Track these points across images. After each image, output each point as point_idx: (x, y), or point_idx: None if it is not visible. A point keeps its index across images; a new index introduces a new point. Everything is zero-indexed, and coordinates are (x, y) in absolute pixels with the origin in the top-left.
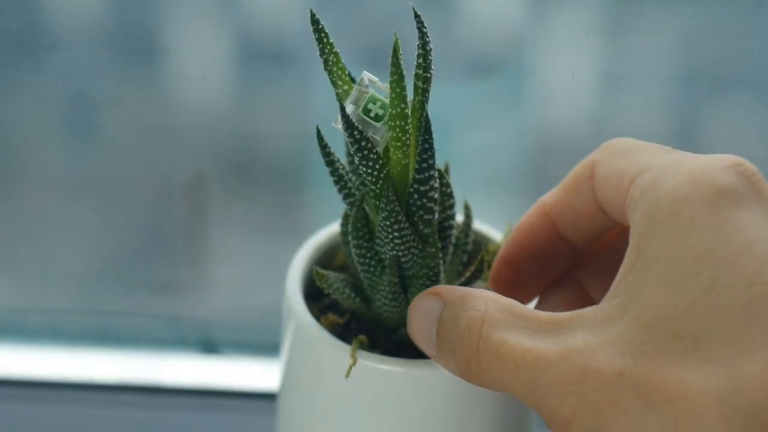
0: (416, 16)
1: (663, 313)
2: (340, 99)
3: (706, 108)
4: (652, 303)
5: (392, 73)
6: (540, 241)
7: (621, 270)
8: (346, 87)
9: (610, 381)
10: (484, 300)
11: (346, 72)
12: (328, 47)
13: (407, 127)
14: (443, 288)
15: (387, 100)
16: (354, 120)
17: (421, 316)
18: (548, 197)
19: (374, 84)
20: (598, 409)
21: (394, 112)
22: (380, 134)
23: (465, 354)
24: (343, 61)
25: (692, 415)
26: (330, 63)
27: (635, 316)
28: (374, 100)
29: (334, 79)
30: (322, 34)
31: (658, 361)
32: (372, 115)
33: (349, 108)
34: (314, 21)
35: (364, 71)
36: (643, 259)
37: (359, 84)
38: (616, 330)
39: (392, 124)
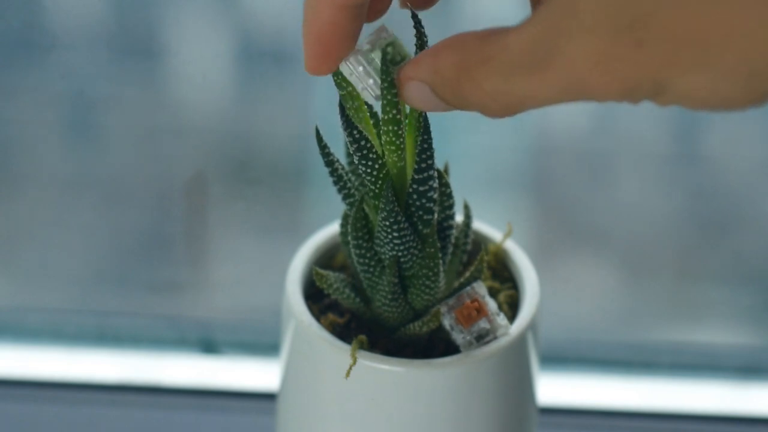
0: (414, 16)
1: None
2: (344, 100)
3: None
4: None
5: (383, 81)
6: None
7: None
8: (350, 89)
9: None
10: (451, 48)
11: None
12: None
13: (400, 132)
14: (410, 71)
15: (393, 39)
16: (365, 65)
17: (418, 99)
18: None
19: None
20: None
21: (386, 117)
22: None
23: (452, 86)
24: None
25: None
26: None
27: None
28: (391, 44)
29: (338, 81)
30: None
31: None
32: (390, 58)
33: (365, 48)
34: None
35: (383, 24)
36: None
37: (377, 32)
38: None
39: (385, 129)
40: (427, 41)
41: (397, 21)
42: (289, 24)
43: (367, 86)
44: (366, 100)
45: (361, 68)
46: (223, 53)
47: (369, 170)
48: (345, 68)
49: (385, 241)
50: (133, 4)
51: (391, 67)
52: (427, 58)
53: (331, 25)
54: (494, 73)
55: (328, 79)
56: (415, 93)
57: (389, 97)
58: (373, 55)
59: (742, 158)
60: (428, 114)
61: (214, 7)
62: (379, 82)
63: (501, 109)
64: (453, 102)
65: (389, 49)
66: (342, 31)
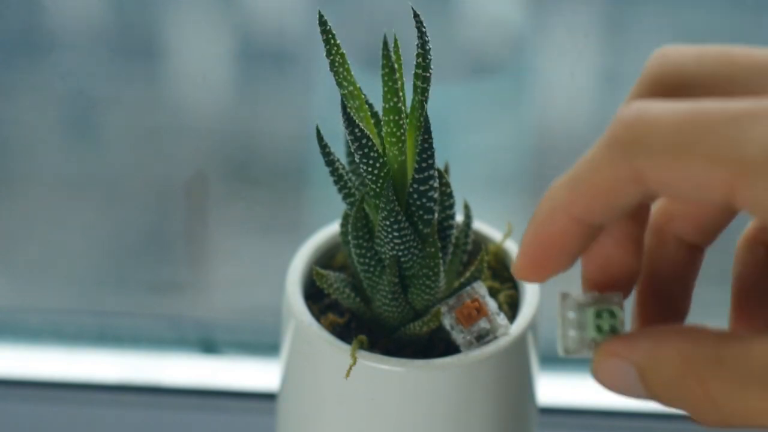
0: (415, 15)
1: None
2: (345, 99)
3: None
4: None
5: (383, 66)
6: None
7: None
8: (351, 88)
9: None
10: (681, 355)
11: (352, 73)
12: (335, 48)
13: (402, 122)
14: (619, 348)
15: (617, 311)
16: (577, 314)
17: (615, 378)
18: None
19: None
20: None
21: (386, 106)
22: None
23: (709, 417)
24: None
25: None
26: (336, 64)
27: None
28: (599, 314)
29: (339, 80)
30: (329, 35)
31: None
32: (606, 328)
33: (571, 334)
34: (322, 22)
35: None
36: None
37: (611, 296)
38: None
39: (386, 118)
40: (428, 41)
41: (397, 21)
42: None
43: (566, 335)
44: (557, 345)
45: (572, 314)
46: (223, 53)
47: (370, 168)
48: (560, 305)
49: (385, 240)
50: (133, 5)
51: (595, 332)
52: (648, 340)
53: (561, 236)
54: (729, 378)
55: (328, 79)
56: (615, 373)
57: (390, 83)
58: (588, 309)
59: None
60: (429, 113)
61: (214, 6)
62: (578, 338)
63: (719, 420)
64: (663, 397)
65: (606, 314)
66: (568, 245)
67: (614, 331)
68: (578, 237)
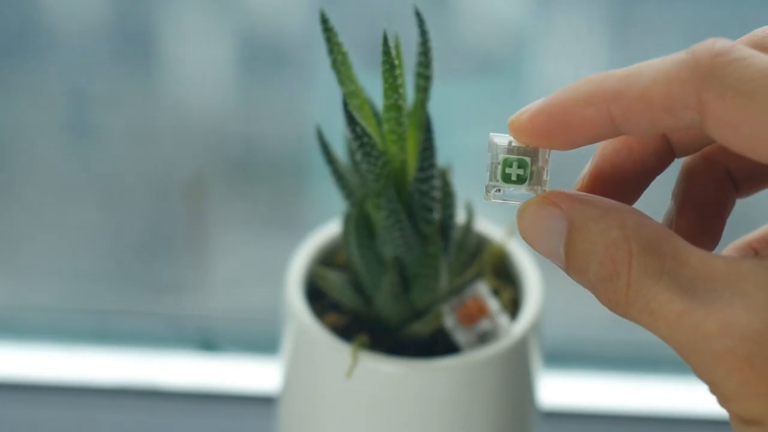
0: (417, 13)
1: None
2: (347, 98)
3: None
4: None
5: (384, 62)
6: (626, 160)
7: None
8: (352, 86)
9: None
10: (623, 230)
11: (353, 71)
12: (336, 47)
13: (402, 120)
14: (563, 199)
15: (525, 158)
16: (499, 197)
17: (540, 230)
18: (622, 113)
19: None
20: (766, 405)
21: (387, 103)
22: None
23: (609, 295)
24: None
25: None
26: (338, 62)
27: None
28: (509, 163)
29: (341, 78)
30: (331, 34)
31: None
32: (513, 178)
33: (491, 185)
34: (323, 20)
35: (491, 133)
36: None
37: (489, 150)
38: None
39: (386, 116)
40: (430, 39)
41: (399, 20)
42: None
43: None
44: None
45: (492, 160)
46: (223, 53)
47: (371, 167)
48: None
49: (386, 240)
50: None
51: (499, 180)
52: (593, 202)
53: (585, 120)
54: (655, 273)
55: (328, 79)
56: (542, 222)
57: (390, 80)
58: (502, 156)
59: None
60: (430, 112)
61: (214, 6)
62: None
63: (621, 307)
64: (576, 265)
65: (515, 164)
66: (585, 132)
67: (521, 182)
68: (599, 130)
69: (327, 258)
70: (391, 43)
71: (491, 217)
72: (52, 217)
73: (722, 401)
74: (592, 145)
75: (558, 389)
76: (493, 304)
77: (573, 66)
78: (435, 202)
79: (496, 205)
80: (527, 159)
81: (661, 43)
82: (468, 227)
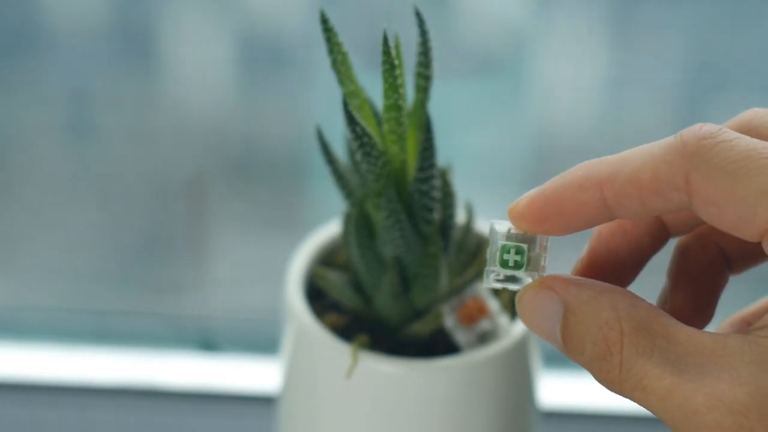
0: (417, 14)
1: None
2: (347, 98)
3: (710, 108)
4: None
5: (384, 62)
6: (620, 244)
7: None
8: (352, 87)
9: None
10: (615, 311)
11: (353, 71)
12: (336, 47)
13: (402, 119)
14: (558, 284)
15: (522, 245)
16: (499, 281)
17: (537, 313)
18: (616, 199)
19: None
20: None
21: (387, 103)
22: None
23: (604, 374)
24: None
25: None
26: (338, 62)
27: None
28: (507, 249)
29: (341, 78)
30: (331, 34)
31: None
32: (511, 264)
33: (490, 270)
34: (323, 21)
35: (492, 221)
36: None
37: (489, 237)
38: None
39: (386, 116)
40: (430, 39)
41: (399, 20)
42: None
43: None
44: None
45: (492, 246)
46: (223, 53)
47: (371, 167)
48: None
49: (387, 240)
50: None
51: (497, 265)
52: (587, 286)
53: (580, 204)
54: (646, 351)
55: (328, 79)
56: (540, 307)
57: (390, 80)
58: (501, 243)
59: None
60: (430, 112)
61: (214, 6)
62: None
63: (615, 385)
64: (573, 346)
65: (513, 250)
66: (581, 216)
67: (519, 267)
68: (593, 214)
69: (327, 258)
70: (391, 43)
71: (491, 217)
72: (52, 217)
73: None
74: (589, 230)
75: (558, 389)
76: (493, 304)
77: (573, 66)
78: (435, 202)
79: (496, 205)
80: (524, 246)
81: (661, 43)
82: (468, 227)
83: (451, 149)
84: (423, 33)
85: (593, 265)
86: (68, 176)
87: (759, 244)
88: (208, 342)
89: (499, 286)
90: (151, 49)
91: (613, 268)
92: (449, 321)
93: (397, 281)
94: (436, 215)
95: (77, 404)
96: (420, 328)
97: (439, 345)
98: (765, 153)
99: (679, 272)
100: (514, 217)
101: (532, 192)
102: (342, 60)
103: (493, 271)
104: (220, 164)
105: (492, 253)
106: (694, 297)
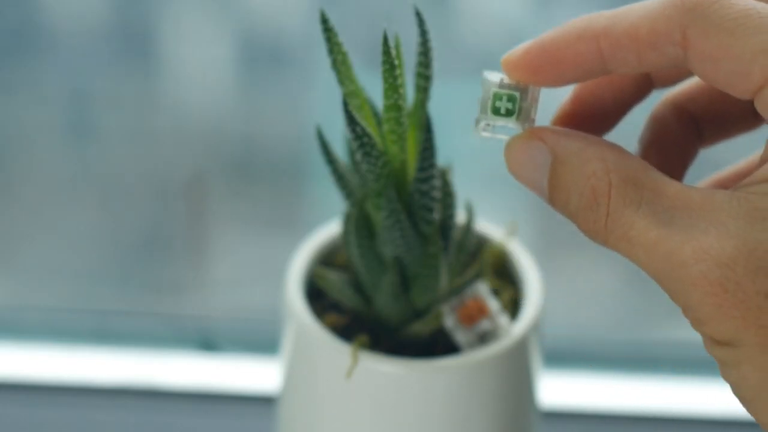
0: (417, 14)
1: None
2: (347, 98)
3: None
4: None
5: (384, 62)
6: (605, 90)
7: (763, 161)
8: (352, 87)
9: (754, 302)
10: (604, 163)
11: (353, 71)
12: (336, 47)
13: (402, 120)
14: (547, 134)
15: (514, 93)
16: (488, 130)
17: (525, 163)
18: (611, 48)
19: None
20: (738, 327)
21: (387, 103)
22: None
23: (590, 225)
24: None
25: None
26: (338, 62)
27: None
28: (499, 97)
29: (341, 78)
30: (331, 34)
31: None
32: (502, 111)
33: (481, 118)
34: (323, 21)
35: (484, 72)
36: None
37: (482, 86)
38: (756, 237)
39: (386, 116)
40: (430, 39)
41: (399, 20)
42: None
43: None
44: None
45: (483, 95)
46: (223, 53)
47: (371, 167)
48: (481, 86)
49: (387, 240)
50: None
51: (489, 113)
52: (577, 137)
53: (577, 53)
54: (634, 203)
55: (328, 79)
56: (528, 156)
57: (390, 80)
58: (492, 90)
59: None
60: (430, 112)
61: (214, 7)
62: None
63: (601, 235)
64: (559, 196)
65: (505, 98)
66: (577, 65)
67: (510, 115)
68: (588, 66)
69: (327, 258)
70: (391, 43)
71: (491, 217)
72: (52, 217)
73: (696, 324)
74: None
75: (558, 389)
76: (493, 304)
77: None
78: (435, 202)
79: (496, 205)
80: (516, 94)
81: None
82: (468, 227)
83: (451, 149)
84: (423, 33)
85: (575, 109)
86: (68, 176)
87: (735, 114)
88: (208, 342)
89: (488, 135)
90: (151, 49)
91: (594, 115)
92: (449, 321)
93: (397, 281)
94: (436, 215)
95: (77, 404)
96: (420, 328)
97: (439, 345)
98: (763, 12)
99: (651, 139)
100: (509, 65)
101: (529, 42)
102: (342, 60)
103: (483, 120)
104: (220, 164)
105: (483, 102)
106: (663, 165)
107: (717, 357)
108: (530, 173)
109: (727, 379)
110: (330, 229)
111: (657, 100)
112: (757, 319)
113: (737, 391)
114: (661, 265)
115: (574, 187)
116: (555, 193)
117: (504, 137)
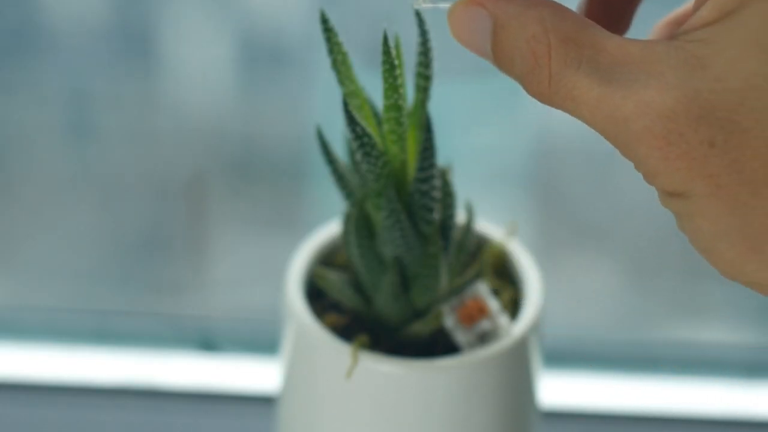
0: (417, 14)
1: (754, 81)
2: (347, 98)
3: None
4: (743, 67)
5: (384, 62)
6: None
7: (704, 12)
8: (352, 87)
9: (699, 151)
10: (542, 24)
11: (353, 71)
12: (336, 47)
13: (402, 119)
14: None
15: None
16: (431, 2)
17: (468, 28)
18: None
19: None
20: (686, 178)
21: (387, 103)
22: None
23: (534, 87)
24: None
25: None
26: (338, 62)
27: (720, 76)
28: None
29: (341, 78)
30: (331, 34)
31: (753, 135)
32: None
33: None
34: (323, 21)
35: None
36: (737, 15)
37: None
38: (695, 86)
39: (386, 116)
40: (430, 39)
41: (399, 21)
42: (289, 24)
43: None
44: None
45: None
46: (223, 53)
47: (371, 167)
48: None
49: (387, 240)
50: (133, 4)
51: None
52: (522, 2)
53: None
54: (574, 60)
55: (328, 79)
56: (469, 22)
57: (390, 80)
58: None
59: None
60: (430, 113)
61: (214, 6)
62: None
63: (544, 93)
64: (503, 59)
65: None
66: None
67: None
68: None
69: (327, 258)
70: (391, 43)
71: (491, 217)
72: (52, 217)
73: (648, 178)
74: None
75: (558, 389)
76: (493, 304)
77: None
78: (435, 202)
79: (495, 203)
80: None
81: None
82: (468, 227)
83: (451, 149)
84: (423, 33)
85: None
86: (68, 176)
87: None
88: (208, 342)
89: (429, 6)
90: (151, 49)
91: None
92: (449, 321)
93: (397, 281)
94: (436, 215)
95: (77, 404)
96: (420, 328)
97: (439, 345)
98: None
99: None
100: None
101: None
102: (342, 60)
103: None
104: (220, 164)
105: None
106: (609, 7)
107: (672, 209)
108: (474, 39)
109: (683, 230)
110: (330, 229)
111: None
112: (703, 169)
113: (694, 242)
114: (607, 123)
115: (516, 51)
116: (499, 58)
117: (446, 5)
